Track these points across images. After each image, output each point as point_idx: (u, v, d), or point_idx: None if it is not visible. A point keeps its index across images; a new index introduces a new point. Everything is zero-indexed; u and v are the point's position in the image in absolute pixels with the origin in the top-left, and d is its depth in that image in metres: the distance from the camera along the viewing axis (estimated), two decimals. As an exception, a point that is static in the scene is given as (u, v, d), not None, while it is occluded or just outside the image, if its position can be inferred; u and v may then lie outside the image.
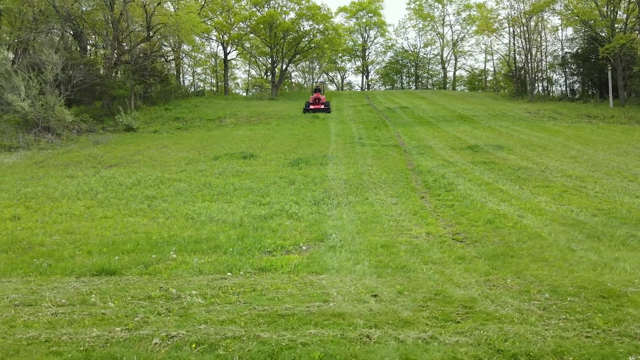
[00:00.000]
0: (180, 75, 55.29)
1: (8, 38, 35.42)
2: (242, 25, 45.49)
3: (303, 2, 42.54)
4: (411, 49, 64.10)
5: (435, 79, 65.12)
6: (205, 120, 32.37)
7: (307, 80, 74.63)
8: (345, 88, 72.33)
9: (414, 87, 63.61)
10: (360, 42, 64.89)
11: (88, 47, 37.01)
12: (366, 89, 63.31)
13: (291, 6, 43.52)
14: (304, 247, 8.27)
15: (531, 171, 16.65)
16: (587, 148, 21.62)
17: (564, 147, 21.91)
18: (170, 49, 39.90)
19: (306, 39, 45.23)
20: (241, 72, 75.49)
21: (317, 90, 35.85)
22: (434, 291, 5.61)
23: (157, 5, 34.67)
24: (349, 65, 69.11)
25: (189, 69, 59.22)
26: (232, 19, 44.81)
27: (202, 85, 61.63)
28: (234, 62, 70.55)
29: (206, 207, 11.81)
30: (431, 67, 65.33)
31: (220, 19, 47.78)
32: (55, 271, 6.51)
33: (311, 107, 33.04)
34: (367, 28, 63.90)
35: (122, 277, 6.28)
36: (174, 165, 19.10)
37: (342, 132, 26.70)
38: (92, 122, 29.91)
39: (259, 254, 7.56)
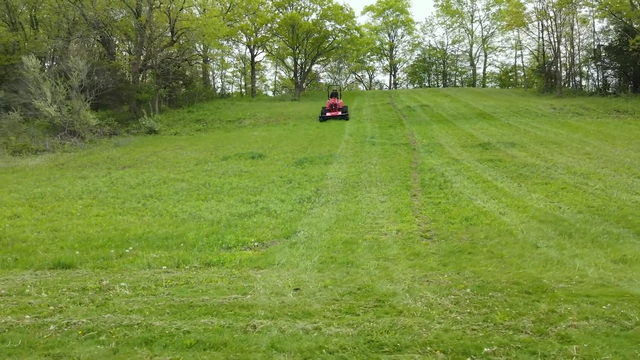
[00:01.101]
0: (210, 78, 56.55)
1: (46, 45, 37.29)
2: (267, 27, 46.07)
3: (325, 2, 42.72)
4: (439, 46, 63.28)
5: (464, 76, 63.94)
6: (225, 121, 33.05)
7: (335, 80, 74.83)
8: (376, 87, 72.07)
9: (442, 85, 62.70)
10: (387, 41, 64.49)
11: (116, 52, 38.34)
12: (393, 88, 62.86)
13: (313, 7, 43.81)
14: (267, 243, 8.47)
15: (536, 168, 16.25)
16: (605, 144, 20.85)
17: (580, 143, 21.21)
18: (195, 52, 40.83)
19: (330, 39, 45.38)
20: (270, 74, 76.22)
21: (333, 94, 32.62)
22: (360, 286, 5.69)
23: (180, 10, 35.58)
24: (377, 64, 68.82)
25: (218, 72, 60.43)
26: (255, 22, 45.42)
27: (230, 87, 62.76)
28: (263, 64, 71.61)
29: (195, 206, 12.17)
30: (460, 65, 64.24)
31: (248, 21, 48.60)
32: (17, 265, 6.98)
33: (327, 114, 30.43)
34: (394, 26, 63.44)
35: (75, 270, 6.66)
36: (183, 165, 19.67)
37: (356, 131, 26.72)
38: (116, 125, 31.09)
39: (217, 250, 7.81)
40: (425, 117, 30.93)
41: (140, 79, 36.95)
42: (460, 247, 7.95)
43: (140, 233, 9.16)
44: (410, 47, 64.34)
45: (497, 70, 63.66)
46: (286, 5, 43.95)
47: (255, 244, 8.32)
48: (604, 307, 4.74)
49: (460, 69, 64.56)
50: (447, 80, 64.11)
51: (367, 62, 68.97)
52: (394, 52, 65.40)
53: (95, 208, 12.42)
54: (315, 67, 70.67)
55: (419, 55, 64.84)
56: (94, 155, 23.44)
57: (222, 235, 8.80)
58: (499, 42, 60.63)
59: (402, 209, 11.43)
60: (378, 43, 65.15)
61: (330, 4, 42.74)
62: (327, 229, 9.44)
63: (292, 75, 48.59)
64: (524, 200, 11.89)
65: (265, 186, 14.77)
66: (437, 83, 64.93)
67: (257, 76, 75.91)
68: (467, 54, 62.80)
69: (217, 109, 36.55)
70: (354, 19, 44.46)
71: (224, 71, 61.57)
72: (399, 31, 64.66)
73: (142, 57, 36.37)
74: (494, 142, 21.81)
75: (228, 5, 48.11)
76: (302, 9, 43.83)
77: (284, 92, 63.56)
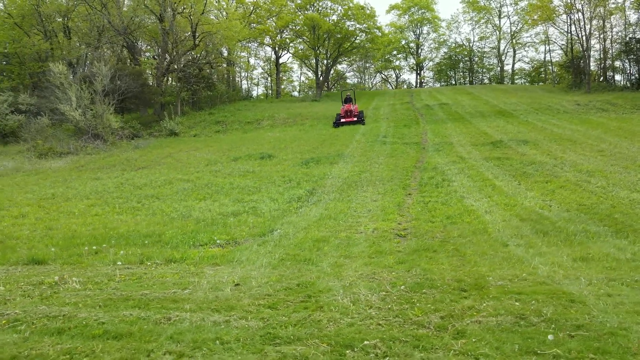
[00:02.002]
0: (236, 79, 57.48)
1: (76, 52, 38.90)
2: (289, 28, 46.51)
3: (346, 2, 42.78)
4: (465, 43, 62.21)
5: (491, 73, 62.68)
6: (244, 123, 33.59)
7: (362, 79, 74.71)
8: (404, 86, 71.54)
9: (468, 83, 61.65)
10: (412, 39, 63.90)
11: (141, 57, 39.49)
12: (419, 87, 62.23)
13: (334, 7, 43.92)
14: (240, 241, 8.69)
15: (542, 166, 15.90)
16: (623, 141, 20.12)
17: (596, 140, 20.55)
18: (219, 55, 41.61)
19: (353, 38, 45.38)
20: (297, 75, 76.79)
21: (347, 100, 31.03)
22: (301, 282, 5.80)
23: (201, 14, 36.39)
24: (403, 63, 68.29)
25: (244, 74, 61.32)
26: (275, 24, 45.93)
27: (256, 89, 63.59)
28: (290, 65, 72.25)
29: (190, 206, 12.53)
30: (487, 61, 63.00)
31: (273, 23, 49.20)
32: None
33: (342, 120, 29.05)
34: (420, 24, 62.79)
35: (45, 266, 7.05)
36: (194, 166, 20.18)
37: (370, 131, 26.70)
38: (139, 128, 32.08)
39: (187, 248, 8.08)
40: (442, 115, 30.58)
41: (164, 82, 37.98)
42: (428, 245, 7.95)
43: (124, 231, 9.55)
44: (436, 45, 63.58)
45: (526, 67, 62.18)
46: (307, 6, 44.23)
47: (227, 242, 8.55)
48: (527, 303, 4.72)
49: (487, 66, 63.34)
50: (475, 78, 62.98)
51: (394, 61, 68.59)
52: (419, 51, 64.75)
53: (97, 208, 12.95)
54: (341, 67, 71.17)
55: (444, 53, 64.01)
56: (113, 157, 24.30)
57: (199, 233, 9.08)
58: (527, 37, 59.02)
59: (390, 208, 11.45)
60: (404, 42, 64.69)
61: (351, 4, 42.78)
62: (304, 227, 9.58)
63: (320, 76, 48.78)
64: (515, 199, 11.71)
65: (264, 186, 15.02)
66: (464, 81, 63.87)
67: (284, 77, 76.84)
68: (495, 50, 61.54)
69: (237, 111, 37.16)
70: (375, 18, 44.37)
71: (249, 73, 62.45)
72: (425, 29, 64.01)
73: (165, 61, 37.40)
74: (507, 140, 21.41)
75: (251, 8, 48.87)
76: (323, 9, 44.04)
77: (310, 93, 64.00)
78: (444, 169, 16.35)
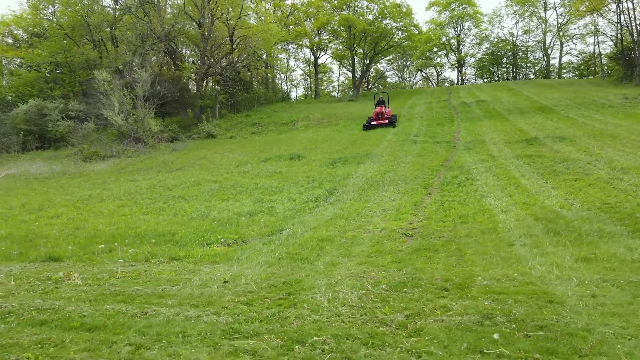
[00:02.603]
0: (276, 81, 58.33)
1: (121, 60, 40.69)
2: (325, 29, 46.73)
3: (381, 1, 42.52)
4: (508, 38, 60.31)
5: (537, 67, 60.40)
6: (279, 124, 34.05)
7: (402, 78, 73.96)
8: (446, 84, 70.23)
9: (511, 79, 59.76)
10: (452, 35, 62.62)
11: (182, 62, 40.76)
12: (460, 84, 60.88)
13: (370, 7, 43.75)
14: (247, 240, 8.91)
15: (575, 163, 15.32)
16: (669, 136, 19.04)
17: (640, 135, 19.54)
18: (256, 58, 42.34)
19: (390, 37, 45.04)
20: (337, 75, 76.95)
21: (380, 102, 30.44)
22: (288, 280, 5.92)
23: (238, 19, 37.18)
24: (444, 60, 67.06)
25: (284, 75, 62.08)
26: (311, 26, 46.25)
27: (295, 90, 64.25)
28: (330, 65, 72.54)
29: (211, 206, 12.91)
30: (532, 56, 60.82)
31: (310, 24, 49.61)
32: (18, 257, 7.97)
33: (373, 122, 28.38)
34: (460, 20, 61.44)
35: (59, 263, 7.50)
36: (225, 167, 20.71)
37: (402, 130, 26.47)
38: (178, 131, 33.16)
39: (194, 246, 8.37)
40: (478, 112, 29.88)
41: (203, 86, 39.06)
42: (431, 245, 7.89)
43: (142, 230, 9.98)
44: (478, 41, 62.00)
45: (574, 60, 59.59)
46: (343, 6, 44.28)
47: (235, 241, 8.78)
48: (502, 303, 4.65)
49: (532, 61, 61.15)
50: (518, 73, 60.98)
51: (434, 58, 67.46)
52: (460, 47, 63.37)
53: (126, 208, 13.56)
54: (381, 66, 70.74)
55: (486, 48, 62.31)
56: (151, 159, 25.27)
57: (210, 232, 9.37)
58: (575, 29, 56.48)
59: (405, 207, 11.37)
60: (444, 39, 63.52)
61: (387, 2, 42.48)
62: (314, 227, 9.70)
63: (351, 76, 48.72)
64: (537, 198, 11.36)
65: (287, 186, 15.24)
66: (507, 76, 61.97)
67: (324, 78, 77.21)
68: (540, 44, 59.36)
69: (274, 112, 37.71)
70: (412, 16, 43.86)
71: (287, 74, 63.17)
72: (466, 24, 62.57)
73: (204, 65, 38.46)
74: (542, 137, 20.69)
75: (289, 11, 49.46)
76: (359, 9, 43.97)
77: (350, 93, 63.99)
78: (471, 168, 16.04)
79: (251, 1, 42.06)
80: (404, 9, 43.24)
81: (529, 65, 61.34)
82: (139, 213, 12.71)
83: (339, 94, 63.40)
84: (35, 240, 9.62)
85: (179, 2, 41.40)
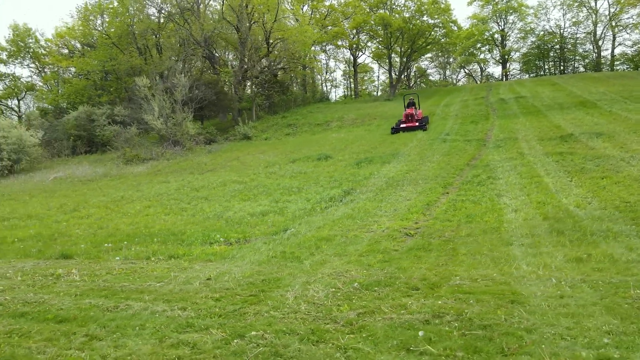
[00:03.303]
0: (315, 82, 58.74)
1: (162, 66, 42.28)
2: (362, 28, 46.64)
3: (418, -2, 42.00)
4: (555, 30, 57.86)
5: (587, 60, 57.65)
6: (314, 125, 34.30)
7: (444, 75, 72.60)
8: (491, 80, 68.35)
9: (559, 73, 57.34)
10: (495, 30, 60.80)
11: (220, 66, 41.76)
12: (504, 80, 59.05)
13: (407, 5, 43.27)
14: (250, 239, 9.14)
15: (607, 160, 14.66)
16: None
17: (686, 130, 18.40)
18: (293, 61, 42.81)
19: (427, 34, 44.37)
20: (377, 75, 76.55)
21: (410, 104, 28.97)
22: (267, 278, 6.06)
23: (274, 22, 37.75)
24: (488, 56, 65.25)
25: (323, 76, 62.39)
26: (348, 26, 46.25)
27: (335, 90, 64.40)
28: (371, 65, 72.19)
29: (229, 206, 13.27)
30: (582, 48, 58.08)
31: (347, 24, 49.64)
32: (35, 255, 8.55)
33: (402, 125, 26.66)
34: (504, 14, 59.56)
35: (69, 260, 7.98)
36: (253, 168, 21.15)
37: (434, 129, 26.08)
38: (216, 133, 34.07)
39: (198, 245, 8.68)
40: (516, 109, 28.97)
41: (240, 89, 39.88)
42: (426, 245, 7.84)
43: (157, 230, 10.43)
44: (523, 35, 59.87)
45: (628, 51, 56.44)
46: (379, 5, 44.01)
47: (237, 240, 9.03)
48: (462, 303, 4.61)
49: (582, 54, 58.42)
50: (566, 67, 58.44)
51: (478, 54, 65.75)
52: (505, 42, 61.45)
53: (151, 209, 14.15)
54: (424, 64, 69.75)
55: (532, 42, 60.08)
56: (187, 161, 26.12)
57: (218, 232, 9.67)
58: (629, 18, 53.48)
59: (417, 207, 11.28)
60: (488, 34, 61.77)
61: (424, -1, 41.91)
62: (319, 226, 9.81)
63: (388, 75, 48.34)
64: (555, 196, 10.98)
65: (307, 187, 15.42)
66: (555, 71, 59.52)
67: (365, 77, 76.97)
68: (590, 35, 56.62)
69: (309, 113, 38.02)
70: (450, 12, 42.94)
71: (326, 75, 63.41)
72: (511, 18, 60.58)
73: (242, 69, 39.31)
74: (578, 133, 19.84)
75: (325, 12, 49.70)
76: (396, 7, 43.55)
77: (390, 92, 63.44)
78: (496, 166, 15.67)
79: (287, 3, 42.58)
80: (442, 5, 42.49)
81: (577, 58, 58.65)
82: (162, 213, 13.23)
83: (379, 93, 63.00)
84: (58, 239, 10.25)
85: (218, 7, 42.60)
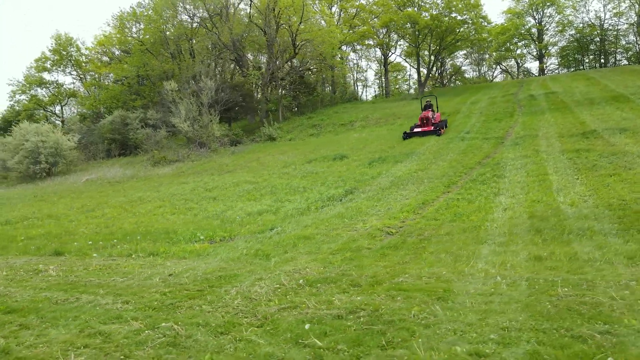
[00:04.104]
0: (347, 82, 58.74)
1: (191, 70, 43.41)
2: (389, 27, 46.34)
3: (447, -6, 41.34)
4: (595, 22, 55.42)
5: (629, 53, 54.94)
6: (338, 125, 34.38)
7: (480, 72, 71.00)
8: (532, 75, 66.31)
9: (599, 66, 54.96)
10: (532, 24, 58.88)
11: (248, 69, 42.45)
12: (541, 75, 57.12)
13: (436, 2, 42.62)
14: (234, 238, 9.38)
15: (622, 157, 14.10)
16: None
17: None
18: (319, 61, 43.04)
19: (457, 30, 43.60)
20: (410, 74, 75.63)
21: (427, 106, 27.36)
22: (225, 274, 6.26)
23: (299, 24, 38.10)
24: (525, 51, 63.30)
25: (355, 76, 62.32)
26: (375, 26, 46.01)
27: (365, 90, 64.22)
28: (404, 64, 71.51)
29: (232, 206, 13.60)
30: (625, 40, 55.39)
31: (375, 22, 49.44)
32: (32, 252, 9.07)
33: (416, 130, 24.68)
34: (541, 8, 57.59)
35: (59, 257, 8.45)
36: (270, 168, 21.48)
37: (455, 127, 25.66)
38: (242, 135, 34.71)
39: (182, 243, 8.99)
40: (543, 105, 28.08)
41: (268, 90, 40.46)
42: (400, 243, 7.87)
43: (154, 228, 10.85)
44: (560, 28, 57.73)
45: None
46: (407, 3, 43.56)
47: (222, 238, 9.29)
48: (388, 299, 4.66)
49: (625, 46, 55.78)
50: (607, 60, 55.94)
51: (514, 49, 63.91)
52: (542, 36, 59.45)
53: (161, 209, 14.67)
54: (458, 61, 68.43)
55: (571, 35, 57.83)
56: (210, 163, 26.78)
57: (207, 230, 9.97)
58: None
59: (410, 206, 11.24)
60: (524, 28, 59.95)
61: (454, -5, 41.17)
62: (306, 225, 9.95)
63: (417, 73, 47.80)
64: (552, 195, 10.69)
65: (313, 186, 15.57)
66: (595, 64, 57.08)
67: (399, 76, 76.29)
68: (634, 26, 53.93)
69: (335, 113, 38.12)
70: (480, 7, 42.01)
71: (360, 74, 63.29)
72: (548, 11, 58.52)
73: (269, 70, 39.87)
74: (601, 129, 19.09)
75: (354, 12, 49.67)
76: (423, 4, 42.98)
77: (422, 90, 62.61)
78: (506, 164, 15.34)
79: (316, 5, 42.84)
80: (472, 1, 41.63)
81: (619, 51, 56.06)
82: (169, 213, 13.70)
83: (412, 91, 62.31)
84: (63, 237, 10.83)
85: (247, 11, 43.31)
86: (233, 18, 41.63)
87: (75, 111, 51.79)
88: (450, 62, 65.67)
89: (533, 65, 65.09)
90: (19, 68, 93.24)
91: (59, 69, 51.58)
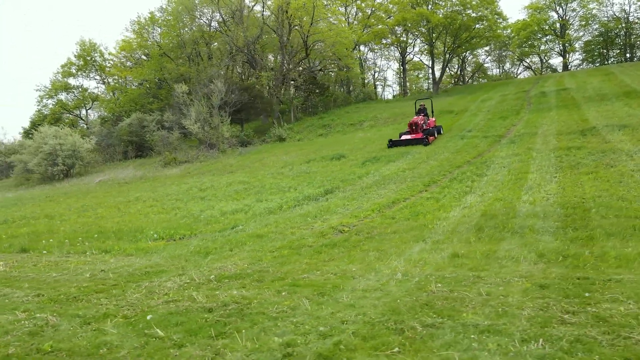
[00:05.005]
0: (366, 81, 58.63)
1: (206, 73, 44.24)
2: (405, 25, 46.07)
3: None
4: (621, 15, 53.60)
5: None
6: (347, 125, 34.44)
7: (502, 69, 69.72)
8: (557, 70, 64.69)
9: (625, 60, 53.13)
10: (555, 19, 57.43)
11: (260, 71, 42.90)
12: (564, 71, 55.65)
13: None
14: (197, 235, 9.66)
15: (610, 155, 13.81)
16: None
17: None
18: (332, 61, 43.20)
19: (472, 27, 42.99)
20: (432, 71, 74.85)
21: (420, 111, 24.46)
22: (153, 270, 6.53)
23: (310, 25, 38.34)
24: (547, 47, 61.81)
25: (372, 75, 62.14)
26: (388, 26, 45.79)
27: (383, 89, 63.96)
28: (425, 62, 70.89)
29: (212, 205, 13.93)
30: (652, 33, 53.33)
31: (391, 21, 49.22)
32: (5, 250, 9.57)
33: (403, 137, 22.01)
34: (564, 2, 56.09)
35: (24, 254, 8.90)
36: (268, 169, 21.77)
37: (459, 125, 25.40)
38: (253, 135, 35.18)
39: (143, 241, 9.32)
40: (552, 102, 27.48)
41: (281, 91, 40.83)
42: (343, 241, 7.99)
43: (129, 227, 11.25)
44: (584, 22, 56.10)
45: None
46: (421, 1, 43.20)
47: (182, 236, 9.58)
48: (275, 294, 4.82)
49: (652, 39, 53.74)
50: (634, 54, 54.03)
51: (538, 45, 62.49)
52: (565, 31, 57.91)
53: (149, 209, 15.12)
54: (481, 58, 67.34)
55: (595, 29, 56.13)
56: (216, 164, 27.28)
57: (174, 229, 10.29)
58: None
59: (380, 205, 11.30)
60: (548, 23, 58.57)
61: (467, -8, 40.61)
62: (267, 224, 10.16)
63: (431, 72, 47.32)
64: (518, 193, 10.60)
65: (298, 186, 15.75)
66: (621, 58, 55.22)
67: (420, 75, 75.60)
68: (662, 18, 51.95)
69: (346, 113, 38.17)
70: (496, 4, 41.28)
71: (378, 74, 63.06)
72: (572, 5, 56.97)
73: (282, 71, 40.26)
74: (601, 126, 18.61)
75: (369, 11, 49.57)
76: (438, 1, 42.51)
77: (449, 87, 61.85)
78: (492, 163, 15.20)
79: (327, 5, 42.99)
80: (487, -3, 40.99)
81: (646, 44, 54.05)
82: (154, 212, 14.13)
83: (430, 90, 61.69)
84: (43, 235, 11.34)
85: (262, 13, 43.82)
86: (247, 20, 42.23)
87: (97, 114, 53.40)
88: (473, 59, 64.78)
89: (557, 61, 63.39)
90: (19, 68, 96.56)
91: (83, 73, 53.32)
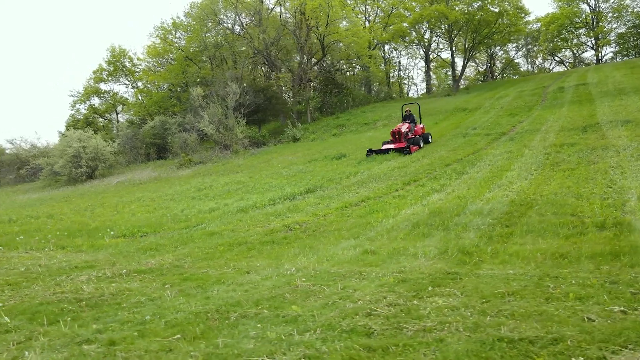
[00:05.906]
0: (390, 80, 58.31)
1: (225, 75, 45.10)
2: (423, 23, 45.61)
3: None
4: (656, 5, 51.09)
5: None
6: (361, 124, 34.40)
7: (532, 64, 67.83)
8: (591, 64, 62.43)
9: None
10: (586, 13, 55.40)
11: (278, 72, 43.39)
12: (595, 64, 53.59)
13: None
14: (156, 233, 10.01)
15: (600, 151, 13.42)
16: None
17: None
18: (349, 62, 43.23)
19: (492, 23, 42.11)
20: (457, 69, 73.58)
21: (406, 117, 22.19)
22: (91, 264, 6.88)
23: (327, 26, 38.51)
24: (579, 40, 59.67)
25: (396, 74, 61.68)
26: (407, 24, 45.38)
27: (408, 87, 63.35)
28: (445, 60, 69.81)
29: (195, 204, 14.33)
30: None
31: (410, 19, 48.86)
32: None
33: (385, 146, 20.26)
34: (596, -7, 54.04)
35: (4, 252, 9.47)
36: (272, 169, 22.08)
37: (467, 123, 25.01)
38: (268, 136, 35.64)
39: (105, 238, 9.74)
40: (567, 98, 26.64)
41: (299, 92, 41.17)
42: (284, 238, 8.17)
43: (109, 225, 11.74)
44: (616, 15, 53.86)
45: None
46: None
47: (145, 234, 9.95)
48: (164, 288, 5.04)
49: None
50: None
51: (571, 39, 60.43)
52: (596, 24, 55.77)
53: (142, 208, 15.67)
54: (511, 53, 65.73)
55: (629, 21, 53.76)
56: (226, 165, 27.83)
57: (146, 227, 10.70)
58: None
59: (349, 203, 11.37)
60: (580, 17, 56.59)
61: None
62: (230, 222, 10.41)
63: (451, 69, 46.55)
64: (482, 191, 10.48)
65: (285, 185, 15.95)
66: (656, 51, 52.71)
67: (448, 72, 74.47)
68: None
69: (362, 113, 38.11)
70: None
71: (402, 72, 62.54)
72: (605, -3, 54.78)
73: (299, 72, 40.60)
74: (605, 122, 18.00)
75: (390, 10, 49.31)
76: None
77: (478, 83, 60.68)
78: (480, 160, 15.02)
79: (343, 6, 43.03)
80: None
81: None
82: (142, 212, 14.64)
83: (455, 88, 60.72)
84: (29, 233, 11.98)
85: (280, 15, 44.31)
86: (266, 22, 42.80)
87: (126, 117, 55.25)
88: (504, 55, 63.33)
89: (589, 55, 61.07)
90: (19, 69, 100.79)
91: (113, 78, 55.30)
